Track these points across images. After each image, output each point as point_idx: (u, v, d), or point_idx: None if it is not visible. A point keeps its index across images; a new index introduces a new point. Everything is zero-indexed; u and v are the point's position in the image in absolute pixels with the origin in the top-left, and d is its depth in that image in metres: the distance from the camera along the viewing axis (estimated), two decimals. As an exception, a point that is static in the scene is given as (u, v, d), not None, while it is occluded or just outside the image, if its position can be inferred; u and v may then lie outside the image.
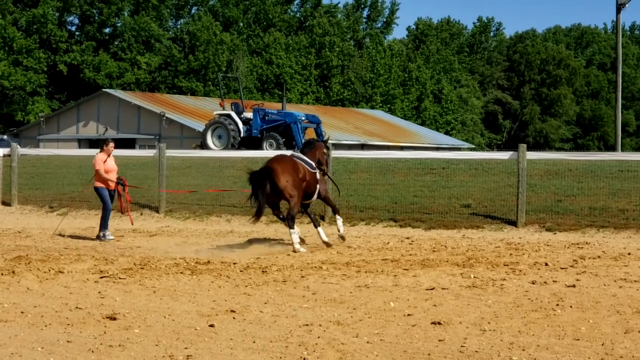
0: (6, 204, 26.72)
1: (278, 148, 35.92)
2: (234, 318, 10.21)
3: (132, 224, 20.33)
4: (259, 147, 36.85)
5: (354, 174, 25.97)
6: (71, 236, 19.49)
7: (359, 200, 23.75)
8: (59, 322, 9.83)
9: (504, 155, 23.79)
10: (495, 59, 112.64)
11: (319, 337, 9.21)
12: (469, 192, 23.39)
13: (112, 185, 19.35)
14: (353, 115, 75.80)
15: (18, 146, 29.19)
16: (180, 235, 20.08)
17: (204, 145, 38.52)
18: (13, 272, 13.24)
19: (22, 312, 10.37)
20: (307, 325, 9.84)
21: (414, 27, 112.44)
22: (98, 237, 18.83)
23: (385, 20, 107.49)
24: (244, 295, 11.72)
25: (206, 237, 19.75)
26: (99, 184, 19.29)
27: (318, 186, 18.08)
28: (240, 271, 13.80)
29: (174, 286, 12.37)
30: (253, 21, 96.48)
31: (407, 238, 19.43)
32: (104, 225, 19.01)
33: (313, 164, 17.98)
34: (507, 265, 14.64)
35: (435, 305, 11.09)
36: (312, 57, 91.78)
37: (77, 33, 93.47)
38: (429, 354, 8.58)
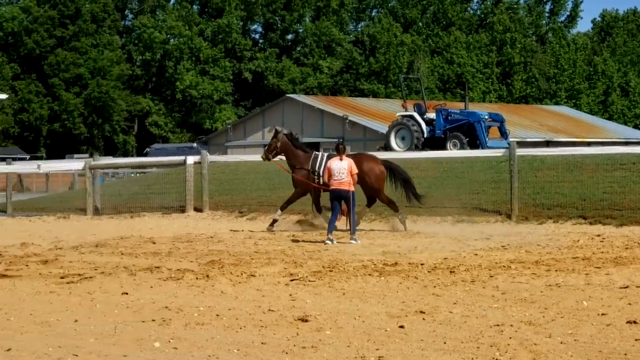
0: (198, 210, 27.48)
1: (462, 147, 35.69)
2: (423, 319, 10.21)
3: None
4: (442, 147, 36.66)
5: (539, 172, 25.55)
6: (261, 240, 19.87)
7: (546, 198, 23.35)
8: (253, 325, 10.04)
9: (700, 147, 22.97)
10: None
11: (510, 338, 9.11)
12: (663, 187, 22.65)
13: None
14: (537, 112, 74.56)
15: (207, 153, 29.96)
16: (367, 237, 20.19)
17: (387, 147, 38.62)
18: (207, 276, 13.60)
19: (217, 315, 10.64)
20: (498, 325, 9.74)
21: (599, 19, 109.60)
22: (353, 239, 19.07)
23: (568, 13, 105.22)
24: (433, 296, 11.69)
25: (392, 238, 19.79)
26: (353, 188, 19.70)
27: None
28: (428, 272, 13.77)
29: (363, 288, 12.45)
30: (432, 21, 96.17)
31: (598, 235, 18.98)
32: (354, 227, 19.38)
33: None
34: None
35: (630, 304, 10.79)
36: (494, 55, 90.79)
37: (260, 41, 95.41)
38: (625, 354, 8.36)
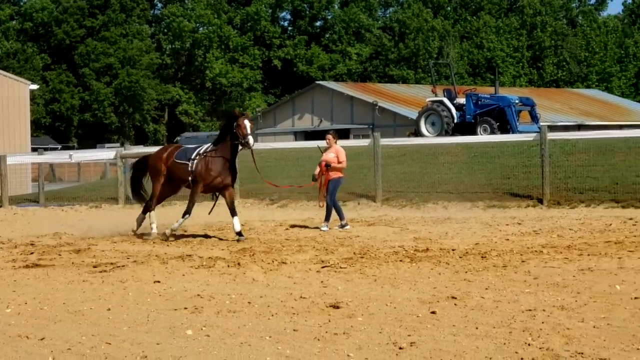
0: (229, 198, 27.48)
1: (492, 132, 35.60)
2: (455, 304, 10.19)
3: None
4: (473, 132, 36.60)
5: (571, 156, 25.42)
6: (292, 227, 19.90)
7: (578, 182, 23.23)
8: (284, 312, 10.06)
9: None
10: None
11: (543, 323, 9.07)
12: (696, 170, 22.46)
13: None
14: (568, 95, 74.11)
15: (238, 141, 29.90)
16: (398, 223, 20.17)
17: (417, 133, 38.57)
18: (239, 264, 13.65)
19: (249, 302, 10.67)
20: (530, 310, 9.71)
21: (630, 1, 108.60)
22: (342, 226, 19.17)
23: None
24: (464, 282, 11.67)
25: (424, 224, 19.76)
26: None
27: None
28: (460, 257, 13.75)
29: (394, 274, 12.44)
30: (460, 5, 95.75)
31: (631, 219, 18.86)
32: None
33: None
34: None
35: (663, 288, 10.74)
36: (524, 39, 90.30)
37: (289, 28, 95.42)
38: (659, 338, 8.31)
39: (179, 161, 18.35)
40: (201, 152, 18.23)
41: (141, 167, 19.70)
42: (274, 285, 11.84)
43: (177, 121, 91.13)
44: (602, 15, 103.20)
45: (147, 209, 18.86)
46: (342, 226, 19.15)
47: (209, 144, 18.59)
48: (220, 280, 12.33)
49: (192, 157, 18.19)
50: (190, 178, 18.11)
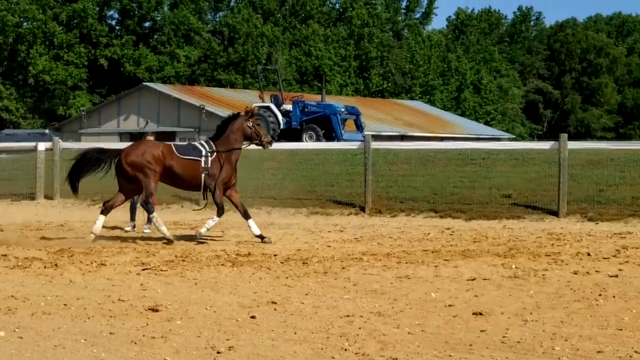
0: (49, 197, 26.90)
1: (318, 140, 35.99)
2: (275, 309, 10.24)
3: None
4: (298, 139, 36.88)
5: (393, 165, 25.90)
6: (113, 229, 19.61)
7: (399, 192, 23.70)
8: (101, 314, 9.90)
9: (545, 145, 23.76)
10: (535, 48, 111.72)
11: (360, 328, 9.21)
12: (510, 183, 23.26)
13: None
14: (392, 106, 75.66)
15: (60, 140, 29.36)
16: (221, 227, 20.12)
17: (243, 138, 38.53)
18: (56, 265, 13.36)
19: (65, 304, 10.45)
20: (348, 316, 9.84)
21: (454, 17, 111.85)
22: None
23: (424, 10, 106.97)
24: (285, 287, 11.74)
25: (246, 229, 19.75)
26: None
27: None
28: (281, 263, 13.83)
29: (215, 278, 12.42)
30: (290, 13, 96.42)
31: (448, 229, 19.37)
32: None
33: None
34: (549, 255, 14.56)
35: (476, 296, 11.05)
36: (351, 49, 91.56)
37: (117, 27, 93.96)
38: (470, 345, 8.55)
39: (187, 157, 16.95)
40: (209, 148, 17.06)
41: (99, 162, 17.81)
42: (92, 287, 11.64)
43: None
44: (426, 29, 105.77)
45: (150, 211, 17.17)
46: (133, 227, 19.26)
47: (198, 141, 17.78)
48: (36, 282, 12.03)
49: (204, 153, 16.95)
50: (204, 174, 16.98)
